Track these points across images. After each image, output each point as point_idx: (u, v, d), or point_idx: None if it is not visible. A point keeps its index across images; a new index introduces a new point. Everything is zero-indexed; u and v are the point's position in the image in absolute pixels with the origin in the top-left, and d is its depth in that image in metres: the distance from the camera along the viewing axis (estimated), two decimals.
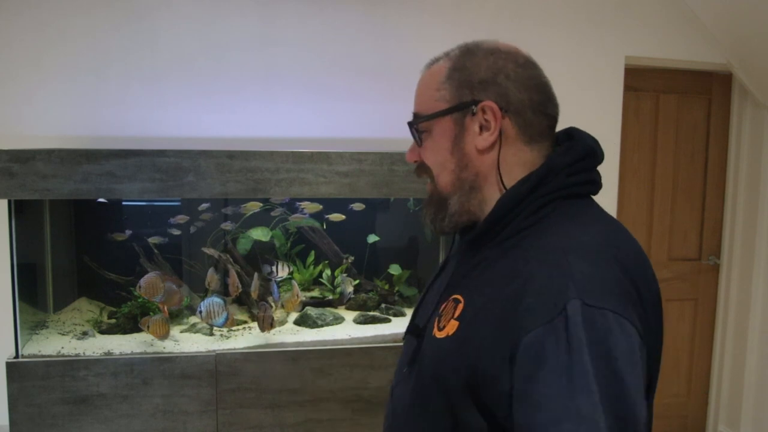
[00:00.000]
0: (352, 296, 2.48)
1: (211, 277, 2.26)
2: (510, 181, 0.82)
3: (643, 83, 2.90)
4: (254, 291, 2.29)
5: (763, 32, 2.55)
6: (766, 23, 2.50)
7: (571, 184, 0.81)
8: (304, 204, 2.39)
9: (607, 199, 0.73)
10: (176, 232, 2.39)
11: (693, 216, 3.04)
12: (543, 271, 0.72)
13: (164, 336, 2.13)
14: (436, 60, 0.87)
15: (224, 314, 2.13)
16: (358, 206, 2.45)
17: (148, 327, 2.11)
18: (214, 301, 2.12)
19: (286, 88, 2.46)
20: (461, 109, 0.82)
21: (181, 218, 2.36)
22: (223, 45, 2.40)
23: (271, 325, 2.20)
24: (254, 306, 2.39)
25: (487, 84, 0.81)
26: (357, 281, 2.54)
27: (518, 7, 2.63)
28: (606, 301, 0.69)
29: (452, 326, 0.78)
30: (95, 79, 2.31)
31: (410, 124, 0.87)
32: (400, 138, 2.40)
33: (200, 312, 2.12)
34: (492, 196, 0.83)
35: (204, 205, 2.38)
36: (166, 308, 2.17)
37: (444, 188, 0.85)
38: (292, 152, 2.12)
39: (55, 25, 2.27)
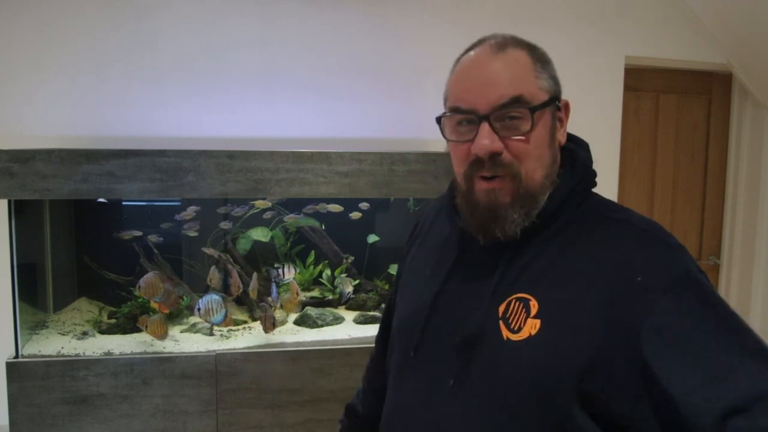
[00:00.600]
0: (352, 296, 2.47)
1: (213, 275, 2.26)
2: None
3: (643, 83, 2.90)
4: (252, 290, 2.28)
5: (763, 32, 2.55)
6: (766, 23, 2.50)
7: (593, 178, 0.85)
8: (328, 206, 2.40)
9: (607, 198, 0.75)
10: (192, 233, 2.37)
11: (693, 216, 3.04)
12: (641, 250, 0.74)
13: (163, 336, 2.13)
14: (502, 45, 0.81)
15: (223, 311, 2.13)
16: (364, 206, 2.45)
17: (146, 327, 2.11)
18: (212, 299, 2.12)
19: (286, 88, 2.46)
20: (554, 102, 0.81)
21: (187, 215, 2.35)
22: (223, 45, 2.40)
23: (273, 326, 2.20)
24: (255, 306, 2.40)
25: (558, 82, 0.84)
26: (357, 281, 2.54)
27: (518, 7, 2.63)
28: (700, 270, 0.73)
29: (533, 326, 0.74)
30: (95, 79, 2.31)
31: (532, 109, 0.77)
32: (400, 138, 2.41)
33: (198, 309, 2.12)
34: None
35: (191, 208, 2.37)
36: (162, 308, 2.16)
37: (537, 184, 0.79)
38: (292, 152, 2.11)
39: (55, 25, 2.27)
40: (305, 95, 2.47)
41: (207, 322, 2.18)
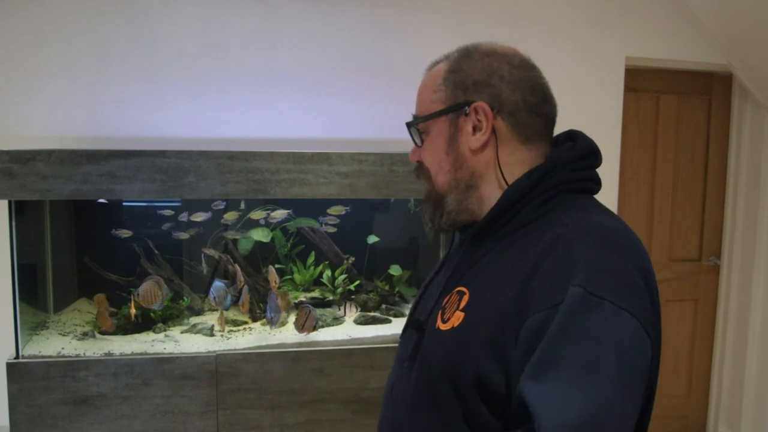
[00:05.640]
0: (278, 322, 2.41)
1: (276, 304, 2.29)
2: (511, 179, 0.84)
3: (643, 84, 2.90)
4: (242, 305, 2.27)
5: (763, 32, 2.55)
6: (766, 23, 2.50)
7: (576, 179, 0.83)
8: (331, 209, 2.43)
9: (607, 199, 0.74)
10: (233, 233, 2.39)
11: (693, 216, 3.04)
12: (549, 257, 0.73)
13: (109, 328, 2.20)
14: (437, 62, 0.90)
15: (228, 297, 2.26)
16: (337, 210, 2.45)
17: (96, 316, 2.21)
18: (218, 287, 2.24)
19: (286, 88, 2.46)
20: (455, 110, 0.85)
21: (198, 215, 2.35)
22: (223, 45, 2.40)
23: (314, 328, 2.23)
24: (256, 307, 2.40)
25: (481, 85, 0.83)
26: (357, 281, 2.55)
27: (519, 8, 2.63)
28: (607, 292, 0.69)
29: (457, 318, 0.80)
30: (95, 79, 2.31)
31: (408, 125, 0.91)
32: (401, 139, 2.40)
33: (215, 299, 2.23)
34: (492, 193, 0.85)
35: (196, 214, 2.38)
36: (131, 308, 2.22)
37: (441, 187, 0.88)
38: (293, 153, 2.11)
39: (55, 25, 2.27)
40: (305, 95, 2.47)
41: (219, 308, 2.28)
